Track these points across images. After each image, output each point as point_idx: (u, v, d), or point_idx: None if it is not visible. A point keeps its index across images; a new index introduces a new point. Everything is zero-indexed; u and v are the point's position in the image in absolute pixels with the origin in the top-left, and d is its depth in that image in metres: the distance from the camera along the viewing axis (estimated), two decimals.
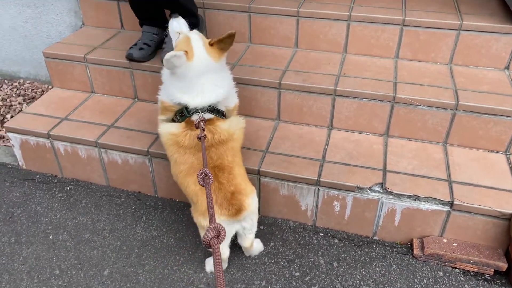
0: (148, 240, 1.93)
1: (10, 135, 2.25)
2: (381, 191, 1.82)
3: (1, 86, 3.08)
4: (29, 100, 2.93)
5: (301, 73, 2.16)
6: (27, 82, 3.13)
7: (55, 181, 2.26)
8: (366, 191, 1.83)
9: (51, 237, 1.95)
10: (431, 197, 1.77)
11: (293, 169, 1.91)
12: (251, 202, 1.63)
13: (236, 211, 1.57)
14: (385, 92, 2.01)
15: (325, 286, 1.73)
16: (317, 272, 1.78)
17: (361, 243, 1.91)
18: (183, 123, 1.62)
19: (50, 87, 2.98)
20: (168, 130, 1.65)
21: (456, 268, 1.79)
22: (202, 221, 1.63)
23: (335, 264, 1.82)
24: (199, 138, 1.51)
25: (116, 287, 1.73)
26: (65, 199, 2.15)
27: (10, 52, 3.05)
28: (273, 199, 1.98)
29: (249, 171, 1.92)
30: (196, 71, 1.55)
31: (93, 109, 2.30)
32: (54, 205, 2.12)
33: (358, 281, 1.75)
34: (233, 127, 1.67)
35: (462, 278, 1.75)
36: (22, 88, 3.06)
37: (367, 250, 1.88)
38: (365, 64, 2.26)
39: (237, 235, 1.71)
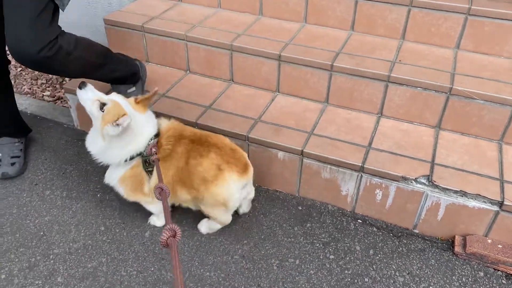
0: (188, 208, 1.98)
1: (68, 96, 2.37)
2: (426, 183, 1.77)
3: None
4: None
5: (354, 57, 2.12)
6: None
7: None
8: (411, 182, 1.79)
9: (99, 195, 2.06)
10: (479, 195, 1.70)
11: (337, 153, 1.89)
12: (249, 161, 1.73)
13: (244, 166, 1.67)
14: (441, 83, 1.93)
15: (359, 272, 1.72)
16: (352, 258, 1.78)
17: (400, 234, 1.88)
18: (153, 155, 1.67)
19: None
20: (154, 178, 1.71)
21: (498, 270, 1.73)
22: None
23: (371, 251, 1.80)
24: (153, 161, 1.65)
25: (156, 249, 1.81)
26: None
27: (73, 19, 3.17)
28: (314, 181, 1.98)
29: (292, 151, 1.93)
30: (134, 126, 1.66)
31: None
32: (103, 166, 2.21)
33: (393, 271, 1.73)
34: (170, 121, 1.81)
35: (504, 281, 1.69)
36: None
37: (405, 241, 1.85)
38: (423, 53, 2.17)
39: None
